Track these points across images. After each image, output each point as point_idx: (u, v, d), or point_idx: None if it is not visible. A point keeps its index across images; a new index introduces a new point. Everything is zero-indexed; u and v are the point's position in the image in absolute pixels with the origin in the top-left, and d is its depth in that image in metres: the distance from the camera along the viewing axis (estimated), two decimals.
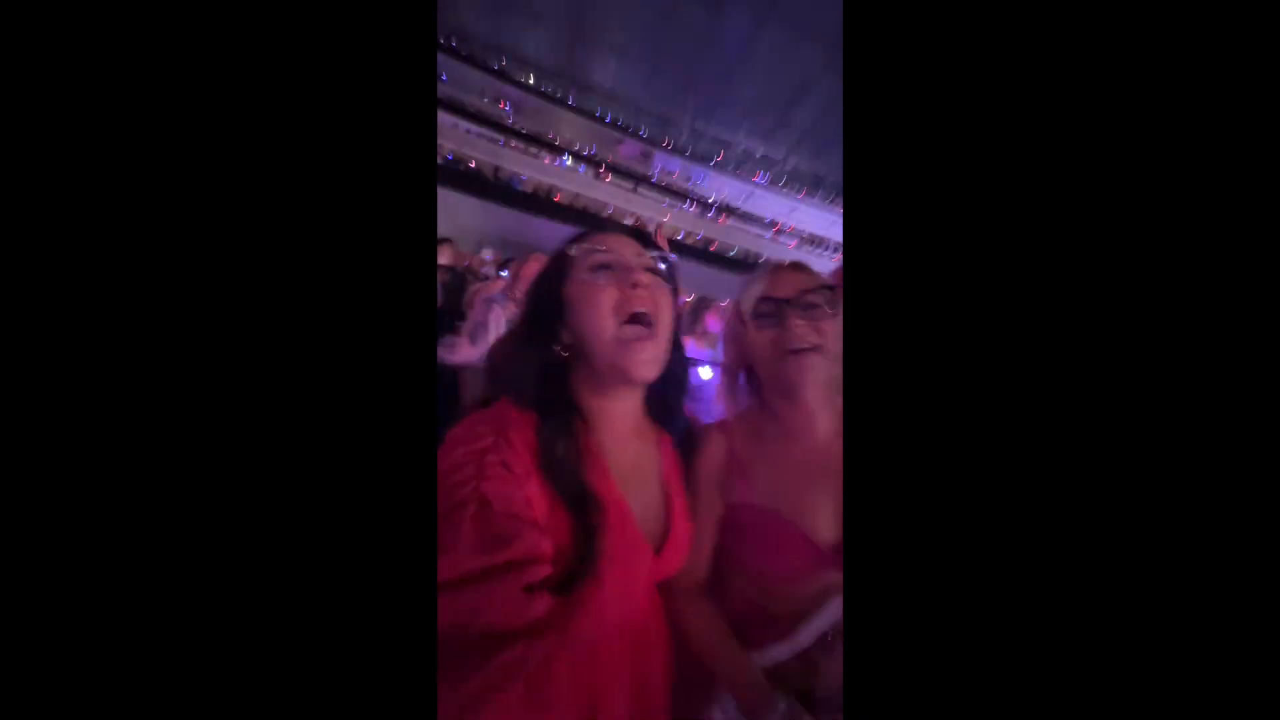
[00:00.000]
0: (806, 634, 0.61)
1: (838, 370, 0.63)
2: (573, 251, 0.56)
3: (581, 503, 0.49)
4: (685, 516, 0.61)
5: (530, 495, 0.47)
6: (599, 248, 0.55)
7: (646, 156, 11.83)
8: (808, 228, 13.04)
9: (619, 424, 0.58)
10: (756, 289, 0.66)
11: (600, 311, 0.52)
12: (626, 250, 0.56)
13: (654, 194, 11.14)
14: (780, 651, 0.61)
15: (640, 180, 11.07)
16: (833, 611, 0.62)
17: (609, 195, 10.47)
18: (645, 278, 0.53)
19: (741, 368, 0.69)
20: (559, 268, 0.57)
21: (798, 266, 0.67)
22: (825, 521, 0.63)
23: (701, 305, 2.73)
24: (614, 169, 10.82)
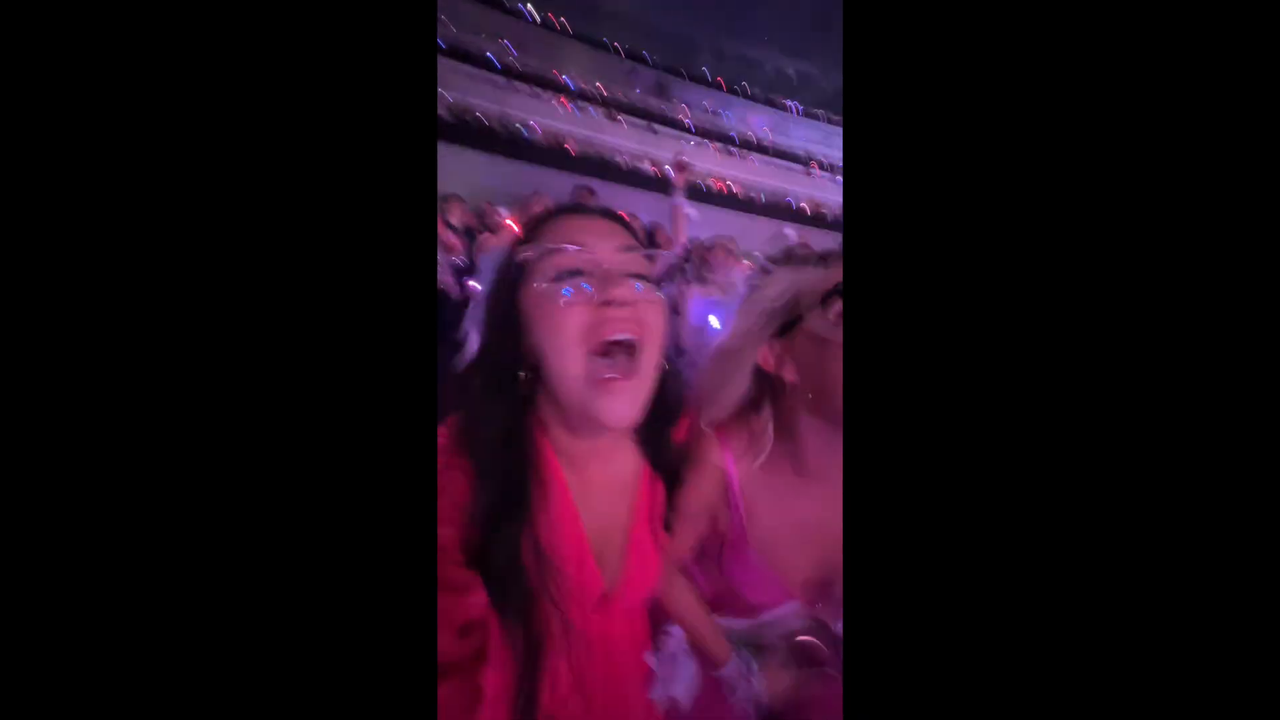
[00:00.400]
0: (764, 618, 0.66)
1: None
2: (525, 256, 0.42)
3: (524, 562, 0.42)
4: (650, 557, 0.54)
5: (474, 539, 0.42)
6: (564, 246, 0.41)
7: (663, 88, 10.73)
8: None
9: (589, 458, 0.50)
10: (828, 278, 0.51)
11: (564, 338, 0.40)
12: (604, 247, 0.42)
13: (673, 133, 10.23)
14: (739, 624, 0.66)
15: (655, 118, 10.13)
16: (787, 609, 0.65)
17: (622, 137, 9.70)
18: (625, 292, 0.41)
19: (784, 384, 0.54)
20: (513, 269, 0.44)
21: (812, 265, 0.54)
22: (807, 557, 0.61)
23: (707, 250, 2.47)
24: (627, 108, 9.92)
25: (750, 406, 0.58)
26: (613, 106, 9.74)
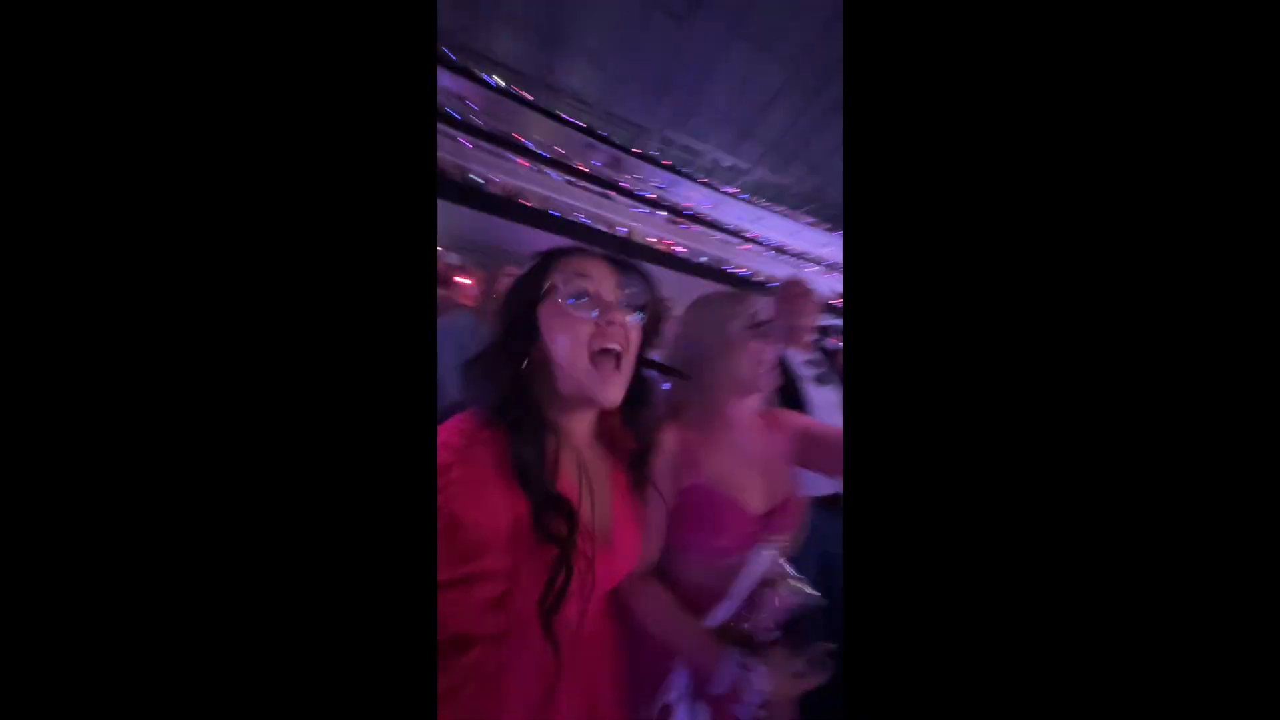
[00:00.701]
0: (740, 587, 0.71)
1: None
2: (550, 282, 0.58)
3: (553, 517, 0.51)
4: (632, 523, 0.66)
5: (493, 512, 0.49)
6: (580, 273, 0.57)
7: (617, 163, 11.91)
8: (773, 237, 13.52)
9: (577, 435, 0.63)
10: (761, 308, 0.79)
11: (576, 344, 0.55)
12: (606, 282, 0.59)
13: (625, 200, 11.25)
14: (722, 610, 0.71)
15: (610, 186, 11.14)
16: (763, 561, 0.73)
17: (579, 200, 10.46)
18: (620, 315, 0.57)
19: (707, 371, 0.80)
20: (534, 286, 0.59)
21: (741, 295, 0.83)
22: (756, 496, 0.79)
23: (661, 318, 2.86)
24: (585, 175, 10.84)
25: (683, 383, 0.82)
26: (572, 174, 10.58)
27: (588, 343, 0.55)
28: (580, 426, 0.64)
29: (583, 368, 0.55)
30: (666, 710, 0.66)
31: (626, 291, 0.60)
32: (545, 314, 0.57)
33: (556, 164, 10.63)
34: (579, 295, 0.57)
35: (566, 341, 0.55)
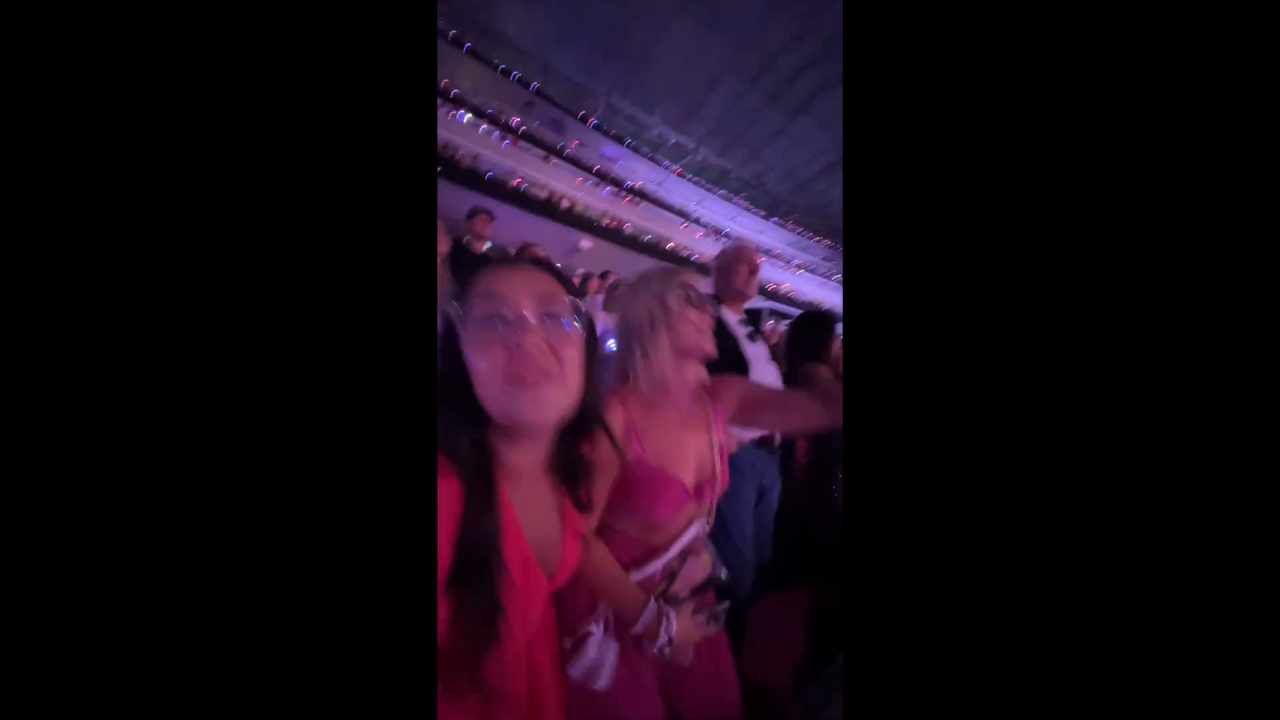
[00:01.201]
0: (672, 552, 0.80)
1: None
2: (451, 310, 0.51)
3: (488, 568, 0.48)
4: (576, 542, 0.66)
5: (449, 555, 0.46)
6: (486, 294, 0.50)
7: (559, 124, 11.26)
8: (714, 219, 13.86)
9: (527, 469, 0.58)
10: (698, 281, 0.83)
11: (488, 373, 0.49)
12: (523, 296, 0.50)
13: (567, 166, 10.74)
14: (652, 567, 0.79)
15: (551, 150, 10.54)
16: (691, 533, 0.81)
17: (517, 161, 9.80)
18: (533, 337, 0.49)
19: (654, 345, 0.81)
20: (451, 323, 0.52)
21: (678, 269, 0.86)
22: (690, 469, 0.83)
23: (615, 287, 2.95)
24: (524, 135, 10.12)
25: (629, 365, 0.83)
26: (511, 132, 9.82)
27: (503, 369, 0.48)
28: (530, 460, 0.58)
29: (497, 395, 0.49)
30: (584, 637, 0.70)
31: (555, 299, 0.52)
32: (464, 349, 0.51)
33: (491, 120, 9.76)
34: (490, 317, 0.50)
35: (478, 375, 0.49)
